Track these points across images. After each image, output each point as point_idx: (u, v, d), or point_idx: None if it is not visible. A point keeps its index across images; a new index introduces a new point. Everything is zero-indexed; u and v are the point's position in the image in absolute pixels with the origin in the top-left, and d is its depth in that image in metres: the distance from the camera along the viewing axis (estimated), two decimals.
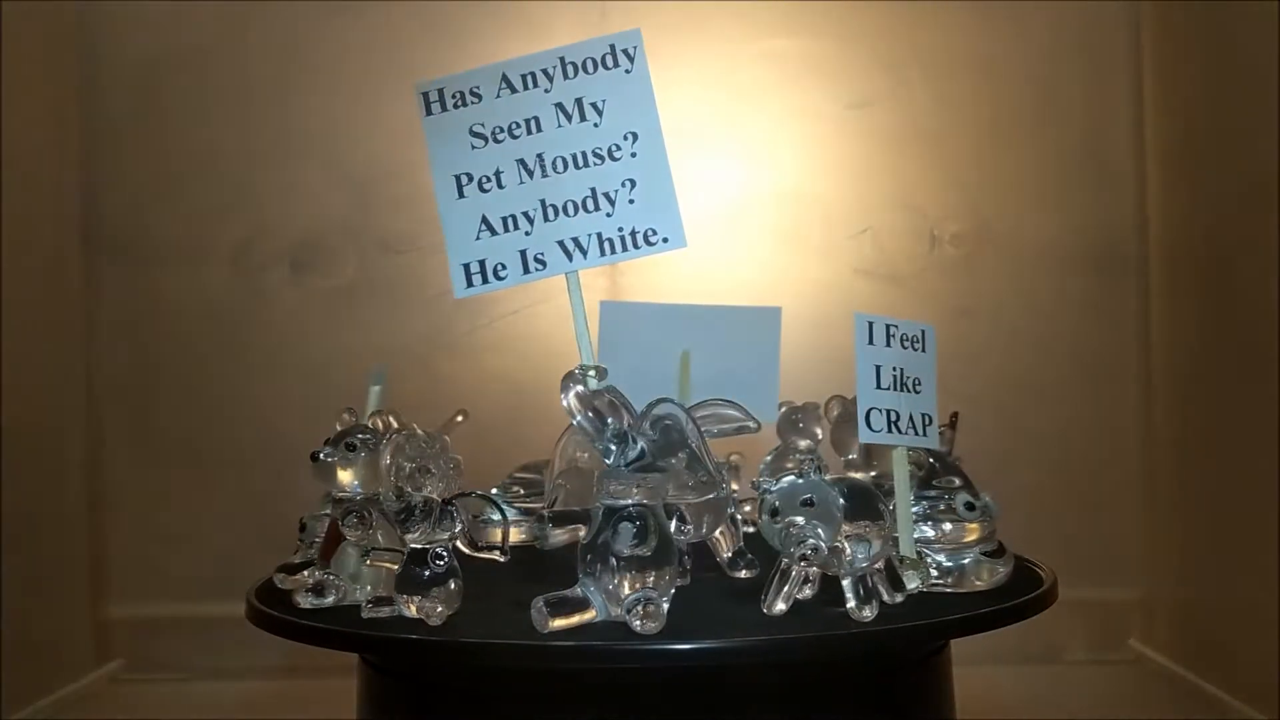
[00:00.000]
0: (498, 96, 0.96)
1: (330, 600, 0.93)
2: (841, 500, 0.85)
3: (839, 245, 1.89)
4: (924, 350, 0.96)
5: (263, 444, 1.83)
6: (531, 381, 1.80)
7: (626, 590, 0.82)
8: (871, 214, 1.89)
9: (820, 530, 0.84)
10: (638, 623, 0.80)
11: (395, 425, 1.14)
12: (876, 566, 0.87)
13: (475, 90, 0.96)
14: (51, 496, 1.77)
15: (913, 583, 0.90)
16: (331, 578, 0.94)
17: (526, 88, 0.96)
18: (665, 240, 0.93)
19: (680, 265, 1.88)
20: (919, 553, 0.92)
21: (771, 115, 1.90)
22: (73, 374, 1.84)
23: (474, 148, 0.96)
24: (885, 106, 1.90)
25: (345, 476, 0.98)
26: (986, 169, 1.90)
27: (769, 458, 1.19)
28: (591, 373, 0.92)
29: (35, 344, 1.73)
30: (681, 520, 0.92)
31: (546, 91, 0.96)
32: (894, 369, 0.93)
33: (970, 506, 0.93)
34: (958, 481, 0.95)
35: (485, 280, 0.94)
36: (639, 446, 0.84)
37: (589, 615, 0.83)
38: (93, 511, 1.86)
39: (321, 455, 0.98)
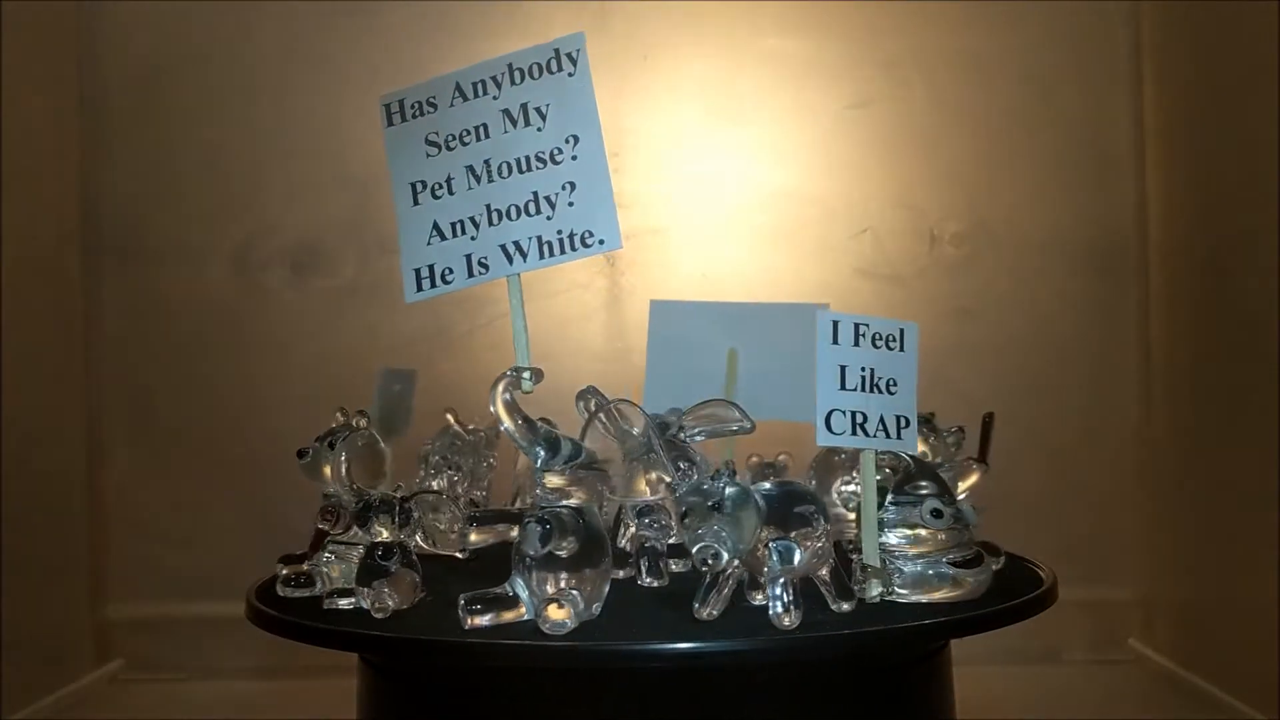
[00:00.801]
0: (451, 105, 0.98)
1: (318, 588, 0.95)
2: (758, 504, 0.83)
3: (839, 245, 1.89)
4: (903, 349, 0.93)
5: (263, 444, 1.82)
6: None
7: (545, 589, 0.83)
8: (871, 214, 1.89)
9: (725, 535, 0.81)
10: (545, 624, 0.81)
11: (451, 422, 1.15)
12: (820, 573, 0.86)
13: (431, 100, 0.99)
14: (51, 496, 1.77)
15: (874, 591, 0.88)
16: (317, 569, 0.97)
17: (477, 95, 0.98)
18: (601, 242, 0.94)
19: (681, 265, 1.89)
20: (883, 560, 0.90)
21: (771, 115, 1.90)
22: (73, 374, 1.84)
23: (428, 156, 0.98)
24: (885, 106, 1.90)
25: (330, 472, 1.00)
26: (986, 168, 1.90)
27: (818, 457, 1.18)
28: (527, 374, 0.93)
29: (35, 344, 1.73)
30: (656, 520, 0.92)
31: (495, 98, 0.97)
32: (863, 369, 0.90)
33: (937, 514, 0.90)
34: (925, 487, 0.92)
35: (434, 285, 0.96)
36: (569, 447, 0.85)
37: (517, 613, 0.84)
38: (93, 511, 1.86)
39: (308, 452, 1.01)
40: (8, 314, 1.63)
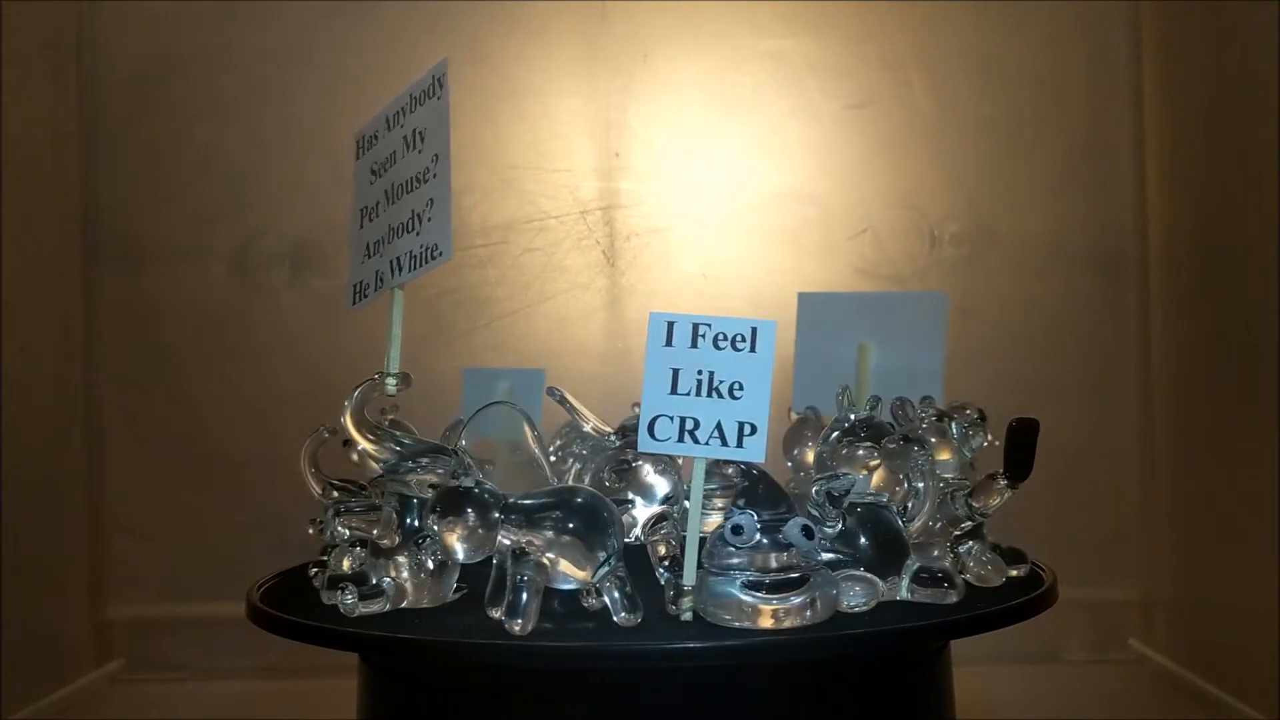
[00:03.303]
0: (383, 136, 1.07)
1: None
2: (475, 507, 0.84)
3: (839, 245, 1.89)
4: (754, 350, 0.86)
5: (263, 443, 1.82)
6: None
7: (382, 575, 0.92)
8: (871, 214, 1.89)
9: (433, 537, 0.85)
10: (340, 604, 0.90)
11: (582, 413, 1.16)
12: (607, 584, 0.85)
13: (375, 134, 1.08)
14: (51, 496, 1.77)
15: (684, 607, 0.85)
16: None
17: (393, 127, 1.05)
18: (440, 255, 0.98)
19: (681, 265, 1.89)
20: (701, 576, 0.85)
21: (771, 115, 1.90)
22: (73, 374, 1.84)
23: (370, 184, 1.08)
24: (885, 106, 1.90)
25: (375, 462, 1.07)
26: (987, 169, 1.90)
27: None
28: (391, 380, 0.98)
29: (35, 344, 1.73)
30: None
31: (401, 127, 1.04)
32: (699, 372, 0.86)
33: (736, 530, 0.84)
34: (722, 504, 0.87)
35: (361, 298, 1.05)
36: (413, 448, 0.93)
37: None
38: (93, 511, 1.86)
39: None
40: (8, 314, 1.63)
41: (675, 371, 0.86)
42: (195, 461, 1.87)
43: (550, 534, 0.84)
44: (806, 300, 1.21)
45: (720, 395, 0.86)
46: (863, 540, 0.91)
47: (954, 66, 1.90)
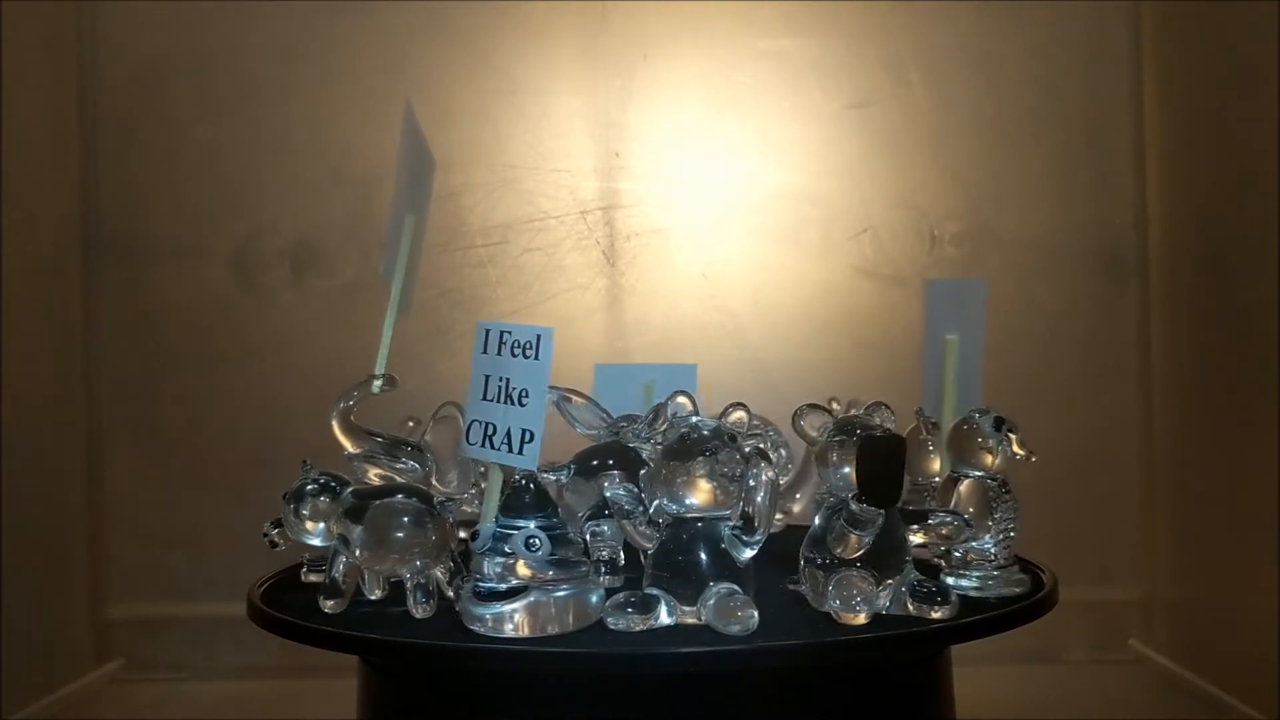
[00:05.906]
0: None
1: None
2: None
3: (839, 245, 1.89)
4: (536, 357, 0.87)
5: (263, 443, 1.82)
6: None
7: None
8: (871, 214, 1.89)
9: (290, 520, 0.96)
10: None
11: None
12: (420, 580, 0.89)
13: None
14: (51, 496, 1.77)
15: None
16: None
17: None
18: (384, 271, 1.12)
19: (681, 265, 1.89)
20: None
21: (771, 115, 1.90)
22: (73, 374, 1.84)
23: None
24: (885, 106, 1.90)
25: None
26: (987, 168, 1.90)
27: None
28: (377, 381, 1.03)
29: (35, 344, 1.73)
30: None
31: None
32: (500, 379, 0.88)
33: (473, 538, 0.86)
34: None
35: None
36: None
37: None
38: (93, 511, 1.86)
39: None
40: (8, 314, 1.63)
41: (486, 378, 0.89)
42: (195, 461, 1.87)
43: (361, 527, 0.89)
44: (936, 287, 1.16)
45: (512, 402, 0.88)
46: (703, 556, 0.86)
47: (954, 66, 1.90)
